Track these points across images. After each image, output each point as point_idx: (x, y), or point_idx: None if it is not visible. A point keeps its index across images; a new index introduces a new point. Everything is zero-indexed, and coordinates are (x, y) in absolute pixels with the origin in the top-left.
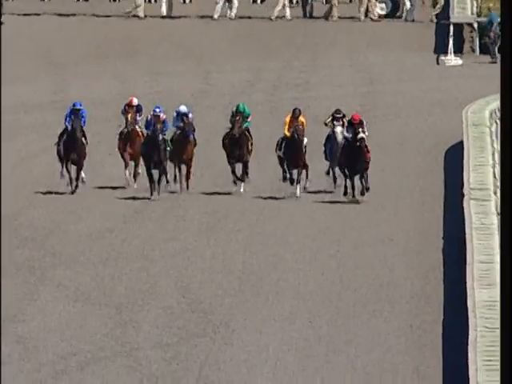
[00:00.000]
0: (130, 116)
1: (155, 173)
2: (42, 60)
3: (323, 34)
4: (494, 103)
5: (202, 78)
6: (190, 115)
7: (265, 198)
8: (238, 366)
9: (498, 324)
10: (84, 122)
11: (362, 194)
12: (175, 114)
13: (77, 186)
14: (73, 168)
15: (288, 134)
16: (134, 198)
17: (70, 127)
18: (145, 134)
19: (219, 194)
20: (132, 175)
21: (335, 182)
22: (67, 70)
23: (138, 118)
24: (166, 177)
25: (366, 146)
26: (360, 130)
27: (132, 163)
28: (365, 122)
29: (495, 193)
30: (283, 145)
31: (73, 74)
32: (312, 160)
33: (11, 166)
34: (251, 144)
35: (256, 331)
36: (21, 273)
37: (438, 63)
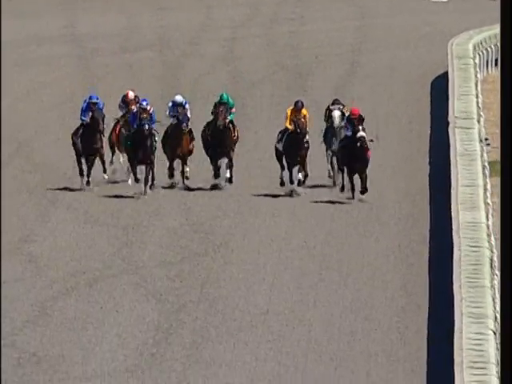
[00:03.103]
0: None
1: (141, 169)
2: None
3: None
4: (478, 36)
5: (203, 12)
6: (187, 106)
7: (264, 131)
8: (237, 283)
9: (480, 243)
10: (104, 117)
11: (362, 193)
12: (170, 103)
13: (105, 171)
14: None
15: (290, 126)
16: None
17: (88, 120)
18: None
19: None
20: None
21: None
22: (76, 5)
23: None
24: (153, 173)
25: (366, 145)
26: (360, 127)
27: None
28: (364, 117)
29: (478, 121)
30: (284, 138)
31: (81, 9)
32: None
33: (24, 95)
34: (236, 137)
35: (254, 251)
36: (33, 196)
37: None
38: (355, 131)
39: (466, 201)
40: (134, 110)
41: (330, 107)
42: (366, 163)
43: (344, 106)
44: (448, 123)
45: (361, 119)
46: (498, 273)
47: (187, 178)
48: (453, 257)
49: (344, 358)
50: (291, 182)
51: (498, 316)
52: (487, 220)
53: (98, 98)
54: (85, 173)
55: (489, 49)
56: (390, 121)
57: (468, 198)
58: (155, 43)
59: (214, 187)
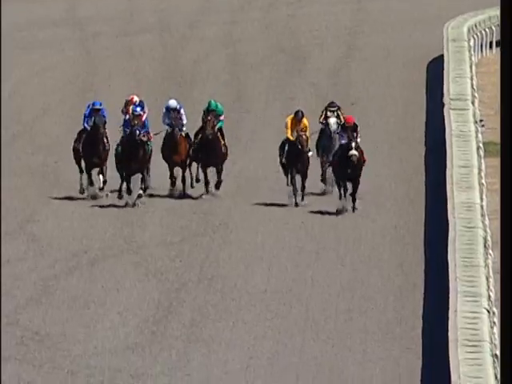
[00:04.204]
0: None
1: (133, 178)
2: None
3: None
4: (472, 19)
5: None
6: (182, 110)
7: (263, 112)
8: (236, 262)
9: (475, 224)
10: (105, 123)
11: (354, 205)
12: (165, 109)
13: (103, 189)
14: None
15: (291, 137)
16: None
17: (89, 127)
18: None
19: None
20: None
21: (330, 183)
22: None
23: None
24: (145, 183)
25: (361, 153)
26: (353, 144)
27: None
28: (358, 127)
29: (473, 103)
30: (286, 149)
31: None
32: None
33: (27, 78)
34: (225, 146)
35: (252, 231)
36: (35, 177)
37: None
38: (349, 145)
39: (460, 181)
40: (127, 117)
41: (328, 114)
42: (358, 172)
43: (339, 107)
44: (443, 105)
45: (355, 127)
46: (491, 252)
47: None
48: (448, 237)
49: (341, 335)
50: (294, 192)
51: (492, 295)
52: (481, 200)
53: (101, 104)
54: (85, 184)
55: (483, 32)
56: (386, 103)
57: (463, 178)
58: (155, 26)
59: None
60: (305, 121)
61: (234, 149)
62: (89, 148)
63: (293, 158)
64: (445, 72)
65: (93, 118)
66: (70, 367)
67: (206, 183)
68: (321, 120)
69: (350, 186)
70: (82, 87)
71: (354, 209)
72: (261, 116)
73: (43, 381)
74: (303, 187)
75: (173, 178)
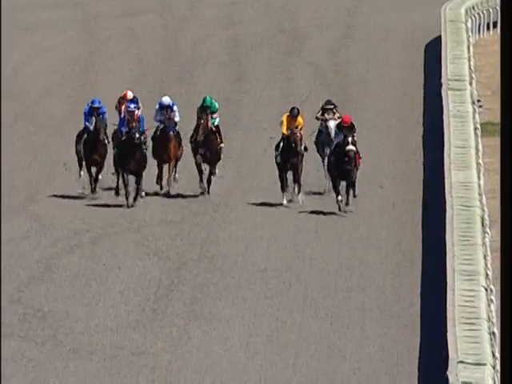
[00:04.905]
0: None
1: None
2: None
3: None
4: (470, 1)
5: None
6: (175, 107)
7: (263, 92)
8: (236, 241)
9: (472, 203)
10: (106, 125)
11: (347, 204)
12: (158, 106)
13: (95, 188)
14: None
15: (286, 132)
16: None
17: (91, 127)
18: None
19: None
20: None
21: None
22: None
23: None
24: (141, 184)
25: (357, 153)
26: (349, 139)
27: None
28: (356, 126)
29: (470, 83)
30: (280, 146)
31: None
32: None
33: (29, 58)
34: (220, 142)
35: (252, 210)
36: (38, 157)
37: None
38: (345, 141)
39: (458, 161)
40: (122, 115)
41: (324, 114)
42: (354, 172)
43: (335, 106)
44: (441, 85)
45: (351, 127)
46: (489, 231)
47: (175, 180)
48: (445, 215)
49: (339, 313)
50: (289, 188)
51: (490, 273)
52: (479, 180)
53: (100, 103)
54: (86, 180)
55: (481, 13)
56: (384, 83)
57: (460, 158)
58: (156, 7)
59: (201, 193)
60: (300, 118)
61: (234, 129)
62: (89, 147)
63: (287, 155)
64: (443, 53)
65: (94, 119)
66: (72, 344)
67: (202, 180)
68: (318, 115)
69: (344, 184)
70: (84, 68)
71: (346, 211)
72: (260, 96)
73: (45, 358)
74: (298, 185)
75: (160, 180)
